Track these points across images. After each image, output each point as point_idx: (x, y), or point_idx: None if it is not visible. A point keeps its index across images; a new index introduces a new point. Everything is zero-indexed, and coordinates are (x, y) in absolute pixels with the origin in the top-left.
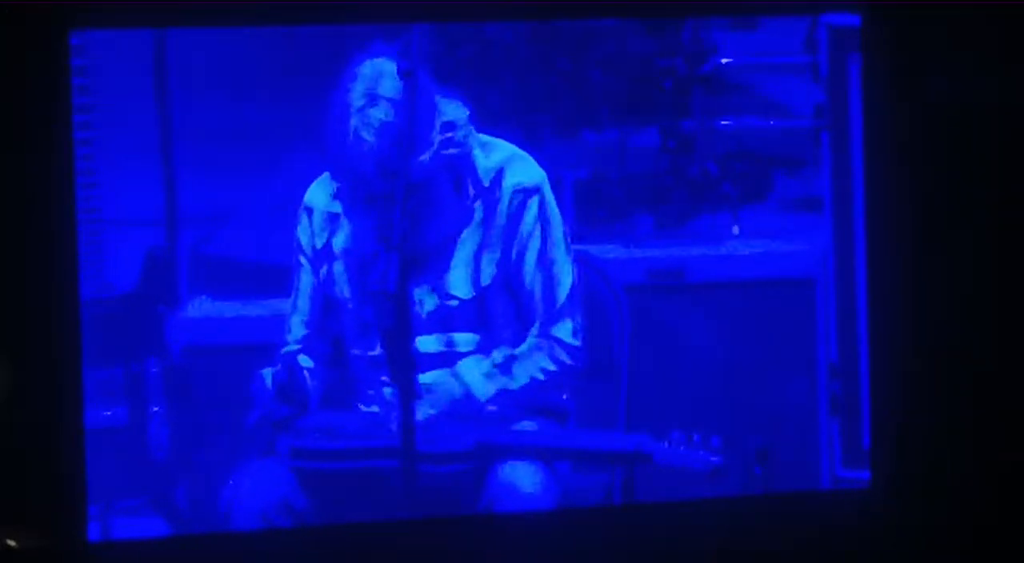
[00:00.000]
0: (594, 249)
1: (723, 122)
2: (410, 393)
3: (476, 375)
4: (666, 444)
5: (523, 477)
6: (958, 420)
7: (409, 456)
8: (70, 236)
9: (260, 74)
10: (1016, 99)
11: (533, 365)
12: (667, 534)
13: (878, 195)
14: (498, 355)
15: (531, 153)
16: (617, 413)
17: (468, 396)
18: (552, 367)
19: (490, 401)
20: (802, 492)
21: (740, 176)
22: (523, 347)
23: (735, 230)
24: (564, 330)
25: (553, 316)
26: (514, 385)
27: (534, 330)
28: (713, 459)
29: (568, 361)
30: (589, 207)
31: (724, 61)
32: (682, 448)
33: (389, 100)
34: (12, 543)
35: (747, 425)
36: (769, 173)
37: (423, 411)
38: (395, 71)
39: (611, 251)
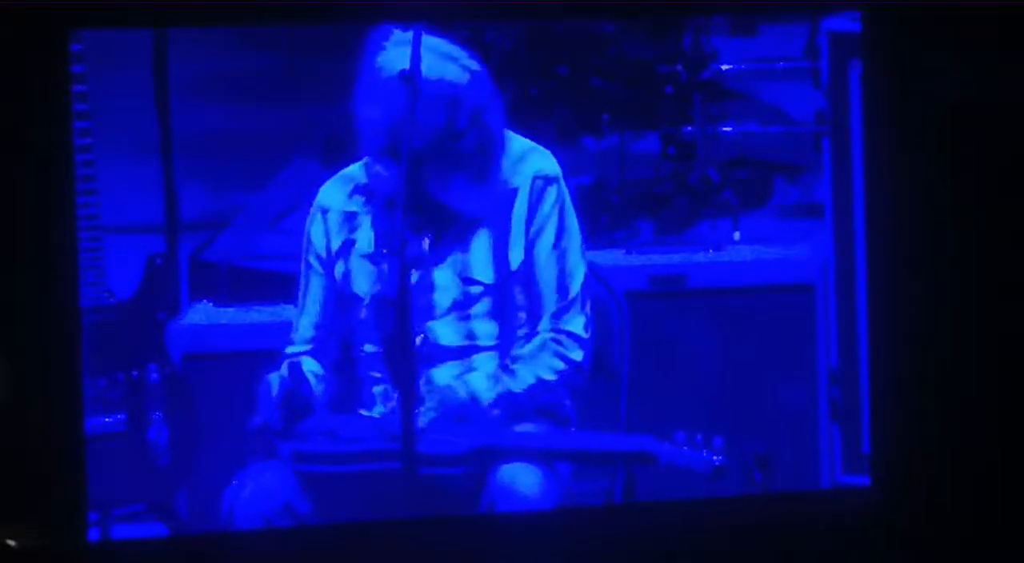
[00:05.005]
0: (596, 255)
1: (724, 128)
2: (411, 397)
3: (480, 378)
4: (669, 444)
5: (524, 480)
6: (958, 426)
7: (410, 459)
8: (70, 243)
9: (261, 80)
10: (1016, 102)
11: (540, 365)
12: (667, 534)
13: (879, 201)
14: (504, 357)
15: None
16: (618, 419)
17: (473, 400)
18: (562, 366)
19: (494, 405)
20: (802, 493)
21: (741, 182)
22: (529, 347)
23: (736, 236)
24: (576, 323)
25: (565, 307)
26: (519, 387)
27: (544, 323)
28: (716, 459)
29: (578, 357)
30: (590, 213)
31: (725, 67)
32: (686, 448)
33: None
34: (12, 543)
35: (748, 431)
36: (770, 179)
37: (426, 415)
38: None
39: (613, 257)
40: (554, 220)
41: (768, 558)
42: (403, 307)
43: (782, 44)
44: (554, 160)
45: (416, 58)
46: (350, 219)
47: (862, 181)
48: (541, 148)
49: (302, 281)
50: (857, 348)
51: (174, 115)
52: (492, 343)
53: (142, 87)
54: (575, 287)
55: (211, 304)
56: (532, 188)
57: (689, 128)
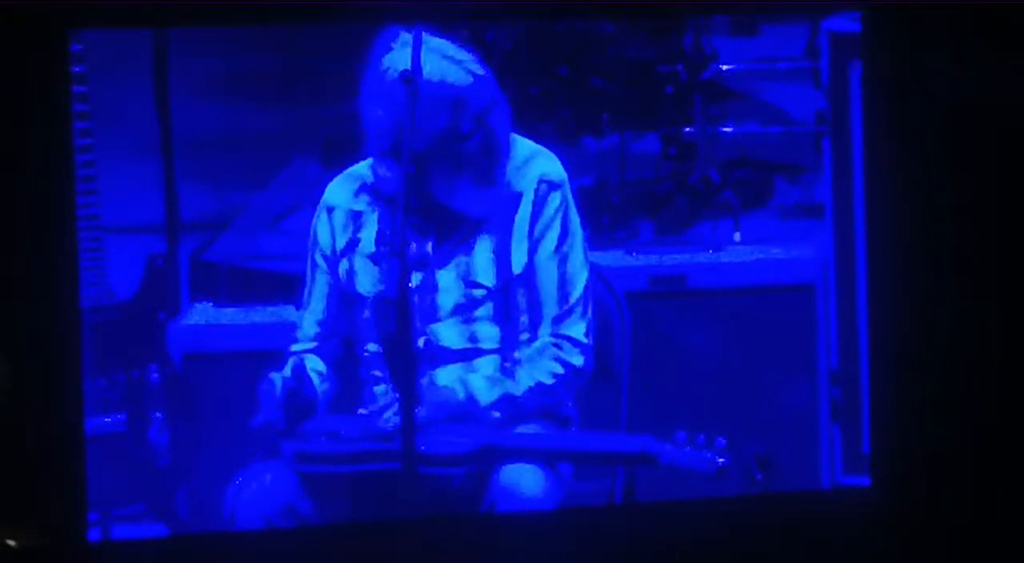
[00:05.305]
0: (596, 256)
1: (724, 129)
2: (411, 397)
3: (479, 380)
4: (670, 445)
5: (527, 481)
6: (958, 426)
7: (411, 459)
8: (70, 243)
9: (261, 80)
10: (1016, 102)
11: (539, 369)
12: (667, 534)
13: (879, 201)
14: (505, 360)
15: None
16: (618, 420)
17: (471, 401)
18: (560, 370)
19: (492, 406)
20: (802, 493)
21: (741, 183)
22: (529, 350)
23: (736, 236)
24: (577, 329)
25: (566, 313)
26: (518, 390)
27: (544, 328)
28: (719, 460)
29: (579, 362)
30: (591, 214)
31: (725, 67)
32: (687, 449)
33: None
34: (12, 543)
35: (748, 431)
36: (770, 179)
37: (424, 415)
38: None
39: (613, 258)
40: (556, 225)
41: (768, 558)
42: (403, 308)
43: (782, 44)
44: (560, 164)
45: (416, 59)
46: (355, 218)
47: (862, 181)
48: (548, 152)
49: (308, 279)
50: (857, 348)
51: (174, 115)
52: (494, 346)
53: (142, 87)
54: (576, 292)
55: (211, 304)
56: (536, 192)
57: (689, 128)
